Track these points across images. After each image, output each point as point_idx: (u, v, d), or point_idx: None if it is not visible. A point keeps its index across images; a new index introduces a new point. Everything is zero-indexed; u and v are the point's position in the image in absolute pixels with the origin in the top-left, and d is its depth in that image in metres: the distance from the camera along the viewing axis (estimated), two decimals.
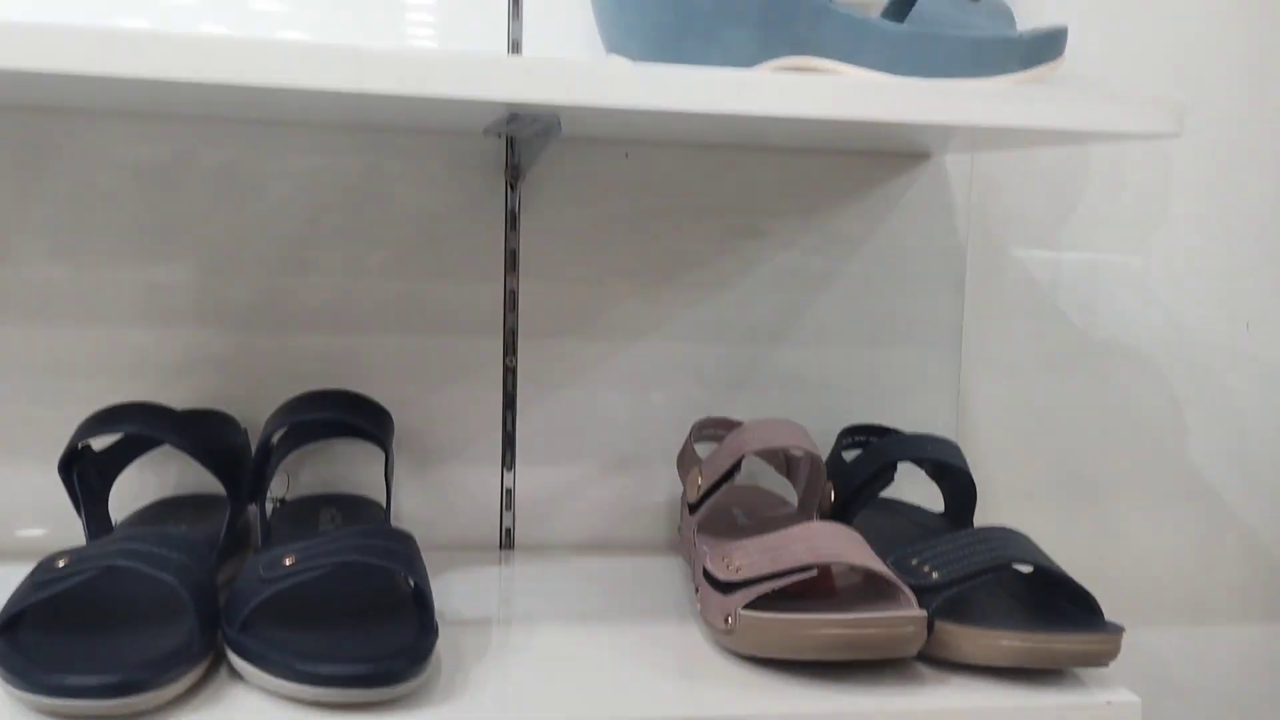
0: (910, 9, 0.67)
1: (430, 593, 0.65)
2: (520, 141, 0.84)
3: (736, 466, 0.76)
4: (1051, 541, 0.72)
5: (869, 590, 0.67)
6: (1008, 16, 0.68)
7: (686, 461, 0.85)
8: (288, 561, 0.64)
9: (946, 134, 0.76)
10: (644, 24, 0.63)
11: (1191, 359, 0.99)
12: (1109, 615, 0.67)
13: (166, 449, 0.80)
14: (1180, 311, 0.99)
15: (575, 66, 0.58)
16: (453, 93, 0.57)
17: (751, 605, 0.65)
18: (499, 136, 0.84)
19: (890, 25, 0.65)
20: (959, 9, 0.66)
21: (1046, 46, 0.66)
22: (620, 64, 0.65)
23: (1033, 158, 0.94)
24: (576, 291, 0.88)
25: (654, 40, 0.63)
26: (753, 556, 0.68)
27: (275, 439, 0.77)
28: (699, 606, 0.71)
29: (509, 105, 0.61)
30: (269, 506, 0.78)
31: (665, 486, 0.90)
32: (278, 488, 0.82)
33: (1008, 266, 0.95)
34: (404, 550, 0.67)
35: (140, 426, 0.76)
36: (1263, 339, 1.00)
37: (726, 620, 0.66)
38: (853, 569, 0.68)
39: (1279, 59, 0.97)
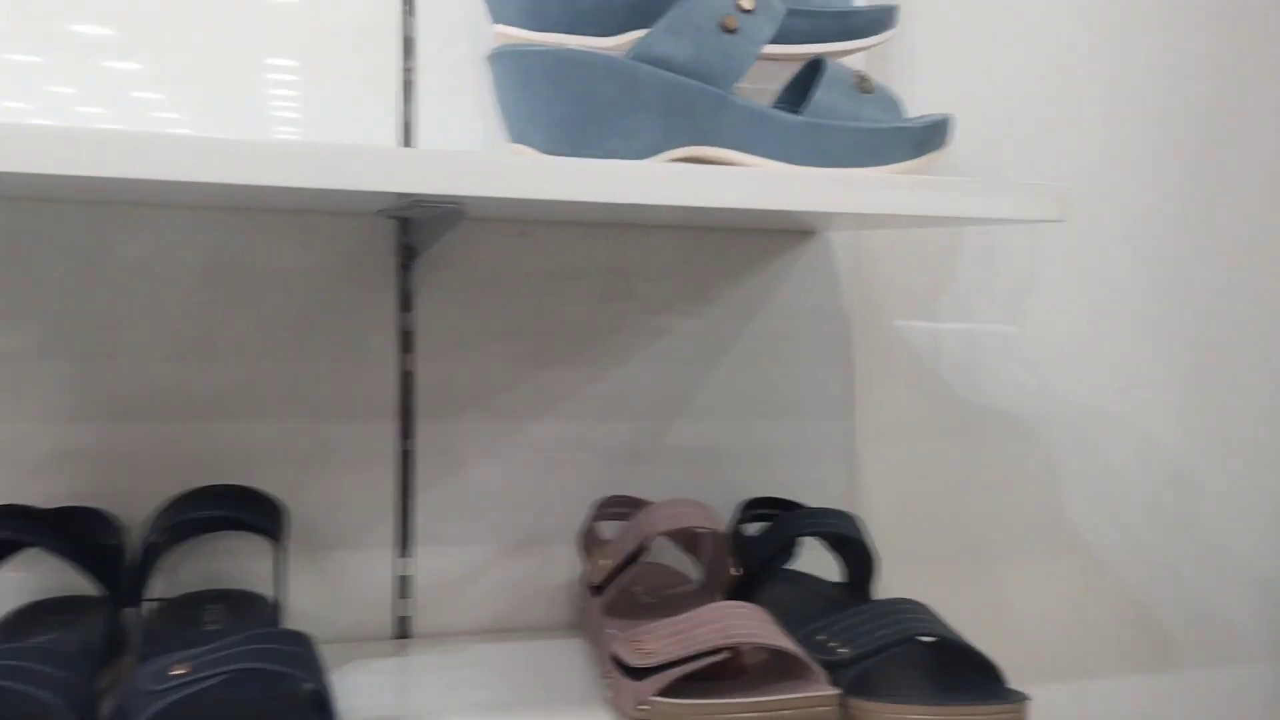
0: (805, 100, 0.69)
1: (330, 698, 0.62)
2: (416, 221, 0.83)
3: (644, 548, 0.75)
4: (942, 604, 0.74)
5: (779, 668, 0.68)
6: (897, 107, 0.71)
7: (589, 541, 0.84)
8: (177, 671, 0.60)
9: (838, 215, 0.78)
10: (549, 116, 0.63)
11: (1068, 422, 1.04)
12: (1005, 674, 0.69)
13: (36, 549, 0.75)
14: (1056, 377, 1.03)
15: (479, 160, 0.58)
16: (352, 185, 0.57)
17: (664, 691, 0.64)
18: (392, 218, 0.82)
19: (787, 116, 0.67)
20: (851, 100, 0.68)
21: (935, 135, 0.69)
22: (525, 155, 0.65)
23: (912, 233, 0.98)
24: (475, 370, 0.86)
25: (558, 131, 0.63)
26: (663, 640, 0.67)
27: (159, 538, 0.73)
28: (609, 693, 0.70)
29: (412, 196, 0.61)
30: (149, 607, 0.74)
31: (567, 566, 0.89)
32: (158, 586, 0.78)
33: (891, 338, 0.98)
34: (302, 653, 0.64)
35: (7, 530, 0.71)
36: (1135, 402, 1.06)
37: (639, 708, 0.65)
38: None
39: (1136, 140, 1.03)
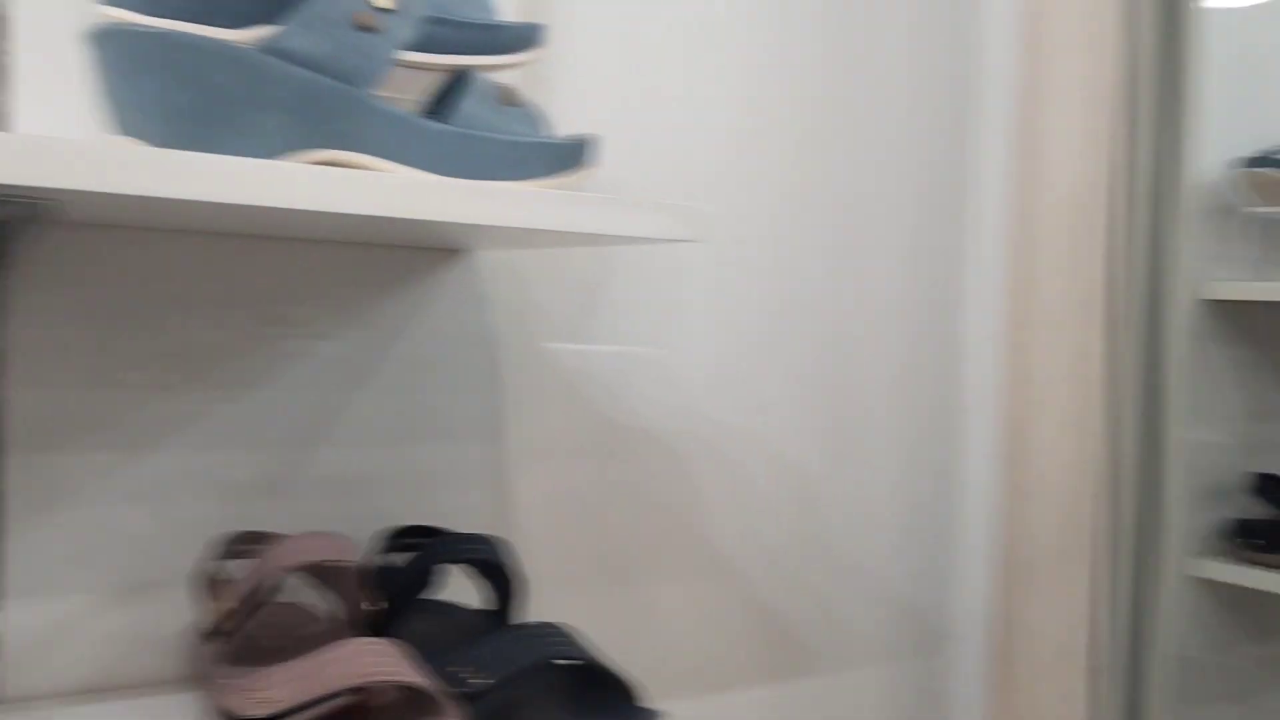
0: (450, 109, 0.66)
1: None
2: (3, 224, 0.72)
3: (271, 586, 0.69)
4: (593, 624, 0.73)
5: (414, 704, 0.64)
6: (541, 123, 0.70)
7: (209, 583, 0.77)
8: None
9: (483, 231, 0.76)
10: (162, 106, 0.57)
11: (711, 442, 1.07)
12: (643, 692, 0.69)
13: None
14: (700, 399, 1.07)
15: (70, 147, 0.51)
16: None
17: None
18: None
19: (431, 124, 0.64)
20: (495, 112, 0.67)
21: (579, 153, 0.69)
22: (133, 147, 0.58)
23: (563, 254, 0.98)
24: (82, 396, 0.76)
25: (173, 124, 0.57)
26: (286, 686, 0.62)
27: None
28: None
29: None
30: None
31: (188, 612, 0.80)
32: None
33: (542, 360, 0.98)
34: None
35: None
36: (772, 422, 1.11)
37: None
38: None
39: (776, 168, 1.09)
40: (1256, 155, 1.24)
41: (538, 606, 0.90)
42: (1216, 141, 1.25)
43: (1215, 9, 1.23)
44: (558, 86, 0.96)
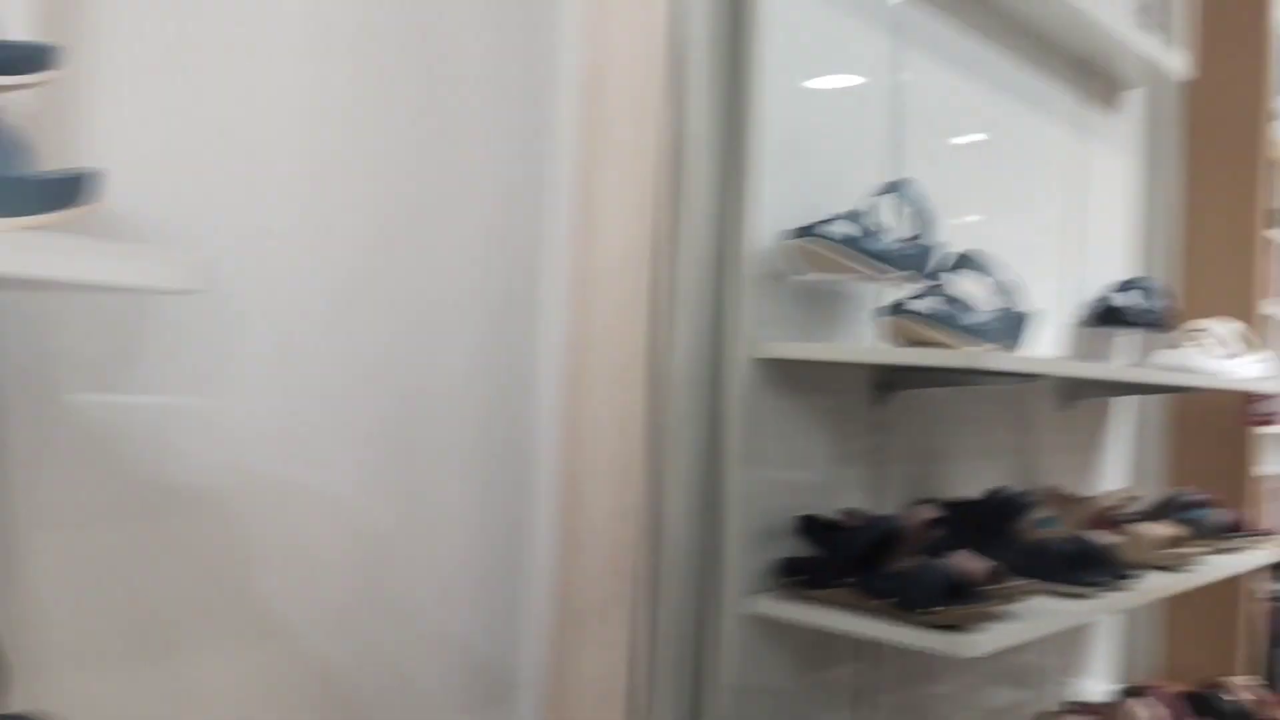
0: None
1: None
2: None
3: None
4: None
5: None
6: (24, 155, 0.63)
7: None
8: None
9: None
10: None
11: (263, 499, 1.01)
12: None
13: None
14: (252, 453, 1.00)
15: None
16: None
17: None
18: None
19: None
20: None
21: (70, 190, 0.63)
22: None
23: (92, 299, 0.89)
24: None
25: None
26: None
27: None
28: None
29: None
30: None
31: None
32: None
33: (61, 412, 0.88)
34: None
35: None
36: (330, 475, 1.06)
37: None
38: None
39: (340, 211, 1.06)
40: (802, 227, 1.37)
41: (55, 689, 0.81)
42: (777, 213, 1.37)
43: (778, 87, 1.36)
44: (82, 114, 0.88)
